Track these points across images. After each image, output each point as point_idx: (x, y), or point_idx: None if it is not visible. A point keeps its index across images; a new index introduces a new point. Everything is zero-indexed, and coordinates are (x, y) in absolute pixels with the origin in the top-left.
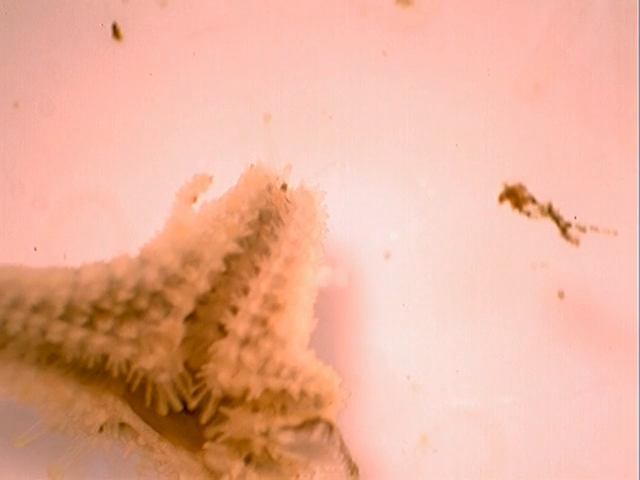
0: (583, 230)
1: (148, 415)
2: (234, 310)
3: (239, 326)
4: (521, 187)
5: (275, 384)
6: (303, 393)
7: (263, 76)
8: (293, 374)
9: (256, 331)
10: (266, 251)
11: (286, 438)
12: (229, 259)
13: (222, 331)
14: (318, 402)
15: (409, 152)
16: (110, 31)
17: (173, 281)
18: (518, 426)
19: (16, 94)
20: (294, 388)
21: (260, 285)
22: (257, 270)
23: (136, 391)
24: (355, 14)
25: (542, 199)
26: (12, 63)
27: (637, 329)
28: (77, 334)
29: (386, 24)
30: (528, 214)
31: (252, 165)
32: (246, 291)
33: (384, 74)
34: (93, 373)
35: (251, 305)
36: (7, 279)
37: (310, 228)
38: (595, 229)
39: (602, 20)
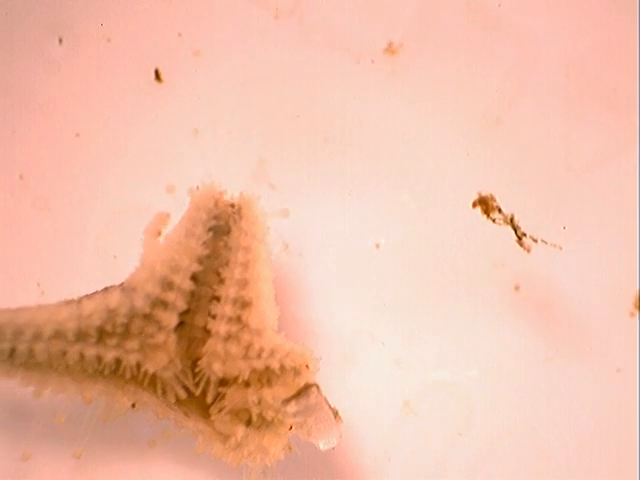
0: (535, 241)
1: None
2: (213, 315)
3: (220, 327)
4: (492, 197)
5: (259, 365)
6: (283, 367)
7: (272, 115)
8: (272, 354)
9: (234, 328)
10: (226, 262)
11: (292, 408)
12: (196, 275)
13: (207, 331)
14: (296, 371)
15: (397, 169)
16: (153, 75)
17: (157, 303)
18: (483, 394)
19: (77, 126)
20: (275, 365)
21: (228, 292)
22: (222, 280)
23: (150, 382)
24: (351, 61)
25: (507, 210)
26: (74, 99)
27: (577, 316)
28: (91, 351)
29: (376, 69)
30: (494, 221)
31: (197, 187)
32: (218, 299)
33: (375, 108)
34: (115, 372)
35: (225, 309)
36: (24, 321)
37: (255, 230)
38: (544, 242)
39: (550, 67)
